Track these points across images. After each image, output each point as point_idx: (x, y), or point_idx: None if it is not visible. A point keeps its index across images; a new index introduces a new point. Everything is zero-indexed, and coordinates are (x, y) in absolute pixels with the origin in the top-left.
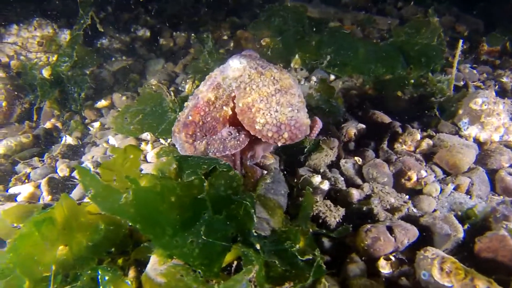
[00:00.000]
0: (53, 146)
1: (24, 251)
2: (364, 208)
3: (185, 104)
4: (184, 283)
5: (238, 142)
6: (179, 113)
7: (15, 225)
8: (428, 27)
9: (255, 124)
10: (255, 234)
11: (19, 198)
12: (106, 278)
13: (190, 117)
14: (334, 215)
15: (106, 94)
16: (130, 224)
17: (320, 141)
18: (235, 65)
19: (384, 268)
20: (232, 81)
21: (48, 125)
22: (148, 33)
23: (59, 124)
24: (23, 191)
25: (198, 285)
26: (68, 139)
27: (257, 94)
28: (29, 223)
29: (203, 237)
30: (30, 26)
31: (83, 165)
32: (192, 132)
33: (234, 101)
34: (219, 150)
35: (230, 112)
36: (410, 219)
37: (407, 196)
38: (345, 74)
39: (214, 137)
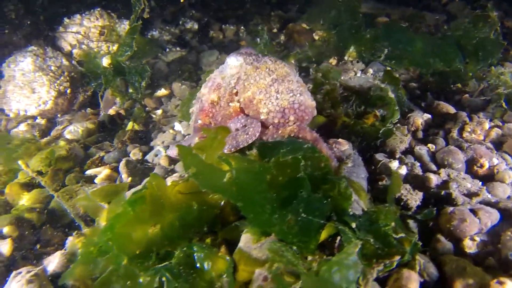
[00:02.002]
0: (119, 132)
1: (120, 230)
2: (443, 193)
3: (190, 110)
4: (286, 259)
5: (248, 135)
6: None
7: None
8: (485, 21)
9: (260, 114)
10: (350, 213)
11: (97, 180)
12: (202, 255)
13: (199, 121)
14: (414, 198)
15: (162, 85)
16: (231, 202)
17: (394, 128)
18: (233, 63)
19: (470, 248)
20: (230, 79)
21: (111, 112)
22: (196, 26)
23: (122, 111)
24: (100, 173)
25: (298, 260)
26: (130, 126)
27: (255, 87)
28: (125, 203)
29: (302, 214)
30: (92, 16)
31: (154, 149)
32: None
33: (237, 96)
34: (233, 146)
35: (239, 105)
36: (487, 204)
37: (481, 183)
38: (403, 67)
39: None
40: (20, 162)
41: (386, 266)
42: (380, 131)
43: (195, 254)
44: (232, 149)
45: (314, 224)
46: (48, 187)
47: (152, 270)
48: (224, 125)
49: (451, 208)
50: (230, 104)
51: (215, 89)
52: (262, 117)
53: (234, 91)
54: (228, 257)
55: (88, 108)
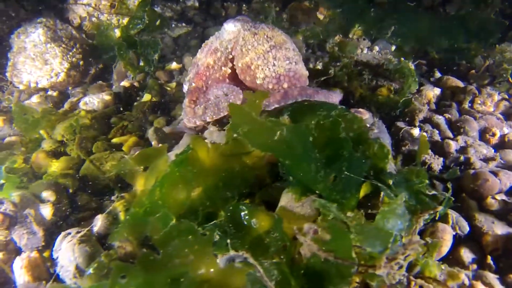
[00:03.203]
0: (136, 103)
1: (167, 190)
2: (462, 158)
3: (187, 78)
4: (333, 213)
5: (230, 102)
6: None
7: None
8: (486, 2)
9: (256, 79)
10: (388, 171)
11: (124, 148)
12: (249, 213)
13: (193, 84)
14: (437, 162)
15: (170, 59)
16: (280, 160)
17: (412, 98)
18: (230, 28)
19: (493, 206)
20: (228, 43)
21: (126, 83)
22: (197, 3)
23: (136, 84)
24: (126, 141)
25: (343, 215)
26: (148, 97)
27: (253, 53)
28: (171, 163)
29: (346, 172)
30: None
31: (178, 119)
32: (196, 97)
33: (234, 62)
34: (215, 112)
35: (229, 71)
36: (503, 168)
37: (493, 149)
38: (408, 45)
39: (210, 101)
40: (42, 131)
41: (430, 215)
42: (400, 101)
43: (242, 213)
44: (214, 116)
45: (355, 182)
46: (80, 154)
47: (209, 226)
48: (263, 90)
49: (473, 170)
50: (223, 68)
51: (212, 53)
52: (258, 82)
53: (230, 56)
54: (276, 215)
55: (100, 81)
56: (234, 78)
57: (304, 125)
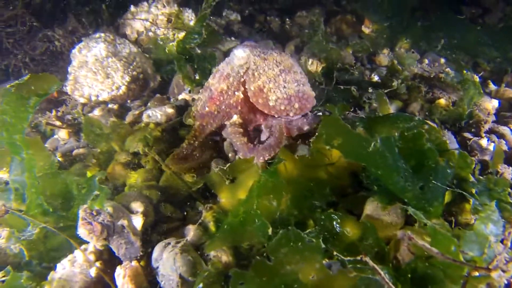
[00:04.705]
0: None
1: (261, 200)
2: None
3: (196, 97)
4: (423, 220)
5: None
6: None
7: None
8: None
9: (269, 101)
10: (471, 181)
11: None
12: (340, 220)
13: (206, 108)
14: (508, 171)
15: None
16: (373, 170)
17: (477, 109)
18: (240, 54)
19: None
20: (239, 68)
21: (186, 96)
22: (239, 17)
23: (195, 97)
24: None
25: (429, 220)
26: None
27: (265, 77)
28: (265, 174)
29: (433, 181)
30: (159, 4)
31: None
32: (206, 122)
33: (245, 86)
34: (270, 154)
35: (242, 96)
36: None
37: None
38: (459, 57)
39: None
40: (113, 144)
41: None
42: (465, 113)
43: (334, 221)
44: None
45: (441, 190)
46: (164, 166)
47: (313, 234)
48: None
49: None
50: (236, 93)
51: (224, 78)
52: (271, 104)
53: (242, 80)
54: (368, 222)
55: (158, 94)
56: (246, 103)
57: (393, 137)
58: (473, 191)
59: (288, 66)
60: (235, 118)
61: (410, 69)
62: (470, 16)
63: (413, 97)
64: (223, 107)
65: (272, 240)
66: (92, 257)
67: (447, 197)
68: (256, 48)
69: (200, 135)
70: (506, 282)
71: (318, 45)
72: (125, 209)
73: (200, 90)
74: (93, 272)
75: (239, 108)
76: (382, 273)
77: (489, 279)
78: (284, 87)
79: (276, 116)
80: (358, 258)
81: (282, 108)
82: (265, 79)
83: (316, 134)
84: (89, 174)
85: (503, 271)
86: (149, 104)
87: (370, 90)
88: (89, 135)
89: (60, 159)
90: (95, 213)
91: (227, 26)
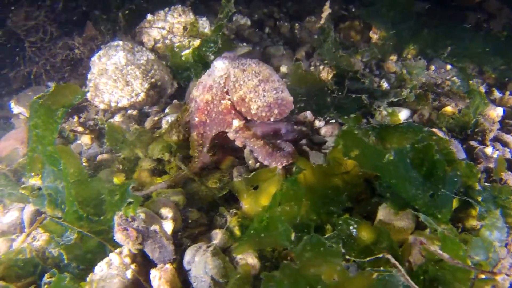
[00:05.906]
0: None
1: (284, 206)
2: None
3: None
4: (433, 226)
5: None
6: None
7: None
8: None
9: (251, 110)
10: (477, 189)
11: (222, 167)
12: (357, 226)
13: (196, 118)
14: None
15: None
16: (386, 179)
17: (482, 118)
18: (220, 66)
19: None
20: (219, 79)
21: None
22: (249, 22)
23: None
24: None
25: (438, 226)
26: None
27: (245, 88)
28: (287, 182)
29: (442, 190)
30: (175, 12)
31: None
32: (203, 130)
33: (228, 95)
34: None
35: (229, 102)
36: None
37: None
38: (464, 64)
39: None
40: (137, 150)
41: None
42: (472, 122)
43: (351, 226)
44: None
45: (449, 198)
46: (190, 174)
47: (334, 239)
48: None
49: None
50: (222, 101)
51: (208, 90)
52: (253, 112)
53: (225, 90)
54: (381, 227)
55: (175, 100)
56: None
57: (406, 148)
58: (479, 198)
59: (266, 76)
60: (237, 123)
61: (418, 78)
62: (475, 22)
63: (421, 105)
64: (213, 115)
65: (296, 245)
66: (127, 260)
67: (455, 203)
68: (235, 60)
69: (204, 142)
70: (510, 284)
71: (328, 53)
72: (155, 215)
73: (187, 101)
74: (129, 274)
75: (233, 112)
76: (402, 269)
77: (494, 282)
78: (264, 96)
79: (259, 121)
80: (380, 256)
81: (264, 114)
82: (246, 90)
83: (333, 144)
84: (116, 180)
85: (507, 274)
86: (167, 110)
87: (381, 98)
88: (112, 141)
89: (85, 164)
90: (130, 219)
91: (237, 31)
